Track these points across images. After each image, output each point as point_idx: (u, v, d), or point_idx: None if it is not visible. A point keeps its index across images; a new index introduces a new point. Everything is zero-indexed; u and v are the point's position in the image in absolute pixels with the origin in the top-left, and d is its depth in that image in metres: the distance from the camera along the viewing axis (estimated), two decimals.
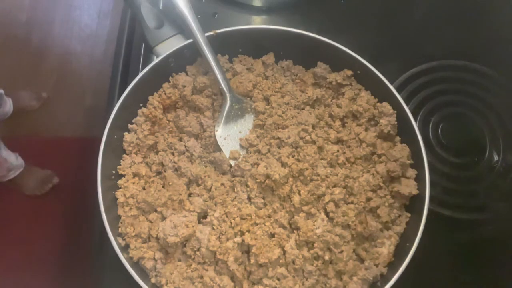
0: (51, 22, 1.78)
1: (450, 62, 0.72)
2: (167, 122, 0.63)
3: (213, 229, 0.55)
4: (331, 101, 0.64)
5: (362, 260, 0.55)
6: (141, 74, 0.59)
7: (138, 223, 0.56)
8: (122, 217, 0.57)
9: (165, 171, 0.60)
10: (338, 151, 0.59)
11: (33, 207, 1.47)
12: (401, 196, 0.56)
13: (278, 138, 0.59)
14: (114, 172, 0.59)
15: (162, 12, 0.63)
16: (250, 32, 0.63)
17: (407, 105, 0.58)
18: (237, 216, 0.55)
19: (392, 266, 0.54)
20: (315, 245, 0.54)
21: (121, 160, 0.60)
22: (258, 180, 0.56)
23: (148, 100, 0.62)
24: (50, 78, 1.69)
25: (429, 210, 0.53)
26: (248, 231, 0.54)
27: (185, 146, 0.61)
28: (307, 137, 0.60)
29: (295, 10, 0.78)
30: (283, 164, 0.57)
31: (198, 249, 0.54)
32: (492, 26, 0.77)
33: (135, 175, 0.60)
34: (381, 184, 0.57)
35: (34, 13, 1.78)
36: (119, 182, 0.59)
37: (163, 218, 0.57)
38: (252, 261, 0.52)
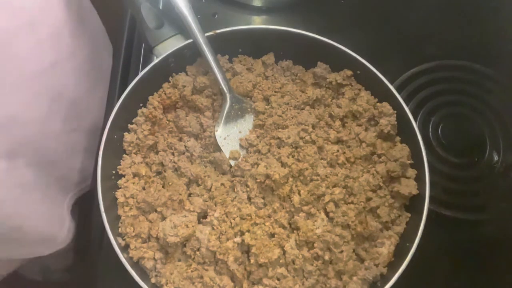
0: None
1: (450, 62, 0.72)
2: (167, 122, 0.63)
3: (213, 229, 0.55)
4: (331, 101, 0.64)
5: (362, 260, 0.55)
6: (141, 74, 0.59)
7: (138, 223, 0.56)
8: (122, 217, 0.57)
9: (165, 171, 0.60)
10: (338, 151, 0.59)
11: None
12: (401, 196, 0.56)
13: (278, 138, 0.59)
14: (114, 172, 0.59)
15: (162, 12, 0.63)
16: (250, 32, 0.63)
17: (407, 105, 0.58)
18: (237, 216, 0.55)
19: (392, 266, 0.54)
20: (315, 245, 0.54)
21: (121, 160, 0.60)
22: (258, 180, 0.56)
23: (148, 100, 0.62)
24: None
25: (429, 210, 0.53)
26: (248, 231, 0.54)
27: (185, 146, 0.61)
28: (307, 137, 0.60)
29: (295, 10, 0.78)
30: (283, 164, 0.57)
31: (198, 249, 0.54)
32: (492, 26, 0.77)
33: (135, 175, 0.60)
34: (381, 184, 0.57)
35: None
36: (119, 182, 0.59)
37: (163, 218, 0.57)
38: (252, 261, 0.52)
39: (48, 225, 0.68)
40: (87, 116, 0.72)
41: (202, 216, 0.57)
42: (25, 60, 0.56)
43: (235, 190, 0.58)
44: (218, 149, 0.60)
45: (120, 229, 0.56)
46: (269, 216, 0.56)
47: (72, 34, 0.65)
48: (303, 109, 0.63)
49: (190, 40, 0.61)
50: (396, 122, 0.59)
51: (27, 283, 0.81)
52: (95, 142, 0.70)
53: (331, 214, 0.55)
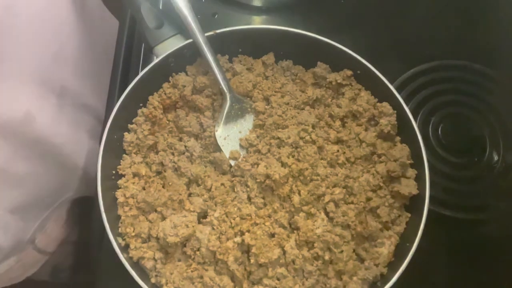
0: None
1: (450, 62, 0.72)
2: (167, 122, 0.63)
3: (213, 229, 0.55)
4: (331, 101, 0.64)
5: (362, 260, 0.55)
6: (141, 74, 0.59)
7: (138, 223, 0.56)
8: (122, 217, 0.57)
9: (165, 171, 0.60)
10: (338, 151, 0.59)
11: None
12: (401, 196, 0.56)
13: (278, 138, 0.59)
14: (114, 172, 0.59)
15: (162, 12, 0.63)
16: (250, 32, 0.63)
17: (407, 105, 0.58)
18: (237, 216, 0.55)
19: (392, 266, 0.54)
20: (315, 245, 0.54)
21: (121, 160, 0.60)
22: (258, 180, 0.56)
23: (148, 100, 0.62)
24: None
25: (429, 210, 0.53)
26: (248, 231, 0.54)
27: (185, 146, 0.61)
28: (307, 137, 0.60)
29: (295, 10, 0.78)
30: (283, 164, 0.57)
31: (198, 249, 0.54)
32: (492, 26, 0.77)
33: (135, 175, 0.60)
34: (381, 184, 0.57)
35: None
36: (119, 182, 0.59)
37: (163, 218, 0.57)
38: (252, 261, 0.52)
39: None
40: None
41: (202, 216, 0.57)
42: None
43: (235, 190, 0.58)
44: (218, 149, 0.60)
45: (120, 229, 0.56)
46: (269, 216, 0.56)
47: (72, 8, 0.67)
48: (303, 109, 0.63)
49: (190, 40, 0.61)
50: (396, 122, 0.59)
51: (32, 285, 0.81)
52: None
53: (331, 214, 0.55)
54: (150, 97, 0.63)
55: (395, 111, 0.59)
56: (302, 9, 0.77)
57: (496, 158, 0.67)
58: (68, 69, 0.67)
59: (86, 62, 0.72)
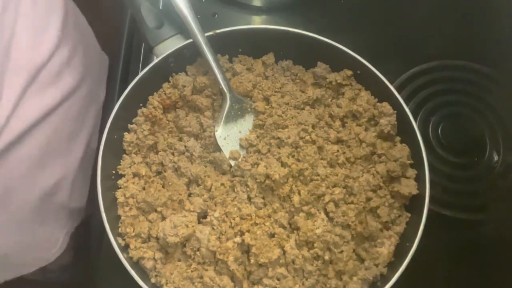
0: None
1: (450, 62, 0.72)
2: (167, 122, 0.63)
3: (213, 229, 0.55)
4: (331, 101, 0.64)
5: (362, 260, 0.55)
6: (141, 74, 0.59)
7: (138, 223, 0.56)
8: (122, 217, 0.57)
9: (165, 171, 0.60)
10: (338, 151, 0.59)
11: None
12: (401, 196, 0.56)
13: (278, 138, 0.59)
14: (114, 172, 0.59)
15: (162, 12, 0.63)
16: (250, 32, 0.63)
17: (407, 105, 0.58)
18: (237, 216, 0.55)
19: (392, 266, 0.54)
20: (315, 245, 0.54)
21: (121, 160, 0.60)
22: (258, 180, 0.56)
23: (148, 100, 0.62)
24: None
25: (429, 210, 0.53)
26: (248, 231, 0.54)
27: (185, 146, 0.61)
28: (307, 137, 0.60)
29: (295, 10, 0.78)
30: (283, 164, 0.57)
31: (198, 249, 0.54)
32: (492, 26, 0.77)
33: (135, 175, 0.60)
34: (381, 184, 0.57)
35: None
36: (119, 182, 0.59)
37: (163, 218, 0.57)
38: (252, 261, 0.52)
39: (42, 251, 0.70)
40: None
41: (202, 216, 0.57)
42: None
43: (235, 190, 0.58)
44: (218, 149, 0.60)
45: (120, 229, 0.56)
46: (269, 216, 0.56)
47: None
48: (303, 109, 0.63)
49: (190, 40, 0.61)
50: (396, 122, 0.59)
51: (26, 283, 0.81)
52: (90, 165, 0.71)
53: (331, 214, 0.55)
54: (150, 97, 0.63)
55: (395, 111, 0.59)
56: (302, 9, 0.77)
57: (496, 158, 0.67)
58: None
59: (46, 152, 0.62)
